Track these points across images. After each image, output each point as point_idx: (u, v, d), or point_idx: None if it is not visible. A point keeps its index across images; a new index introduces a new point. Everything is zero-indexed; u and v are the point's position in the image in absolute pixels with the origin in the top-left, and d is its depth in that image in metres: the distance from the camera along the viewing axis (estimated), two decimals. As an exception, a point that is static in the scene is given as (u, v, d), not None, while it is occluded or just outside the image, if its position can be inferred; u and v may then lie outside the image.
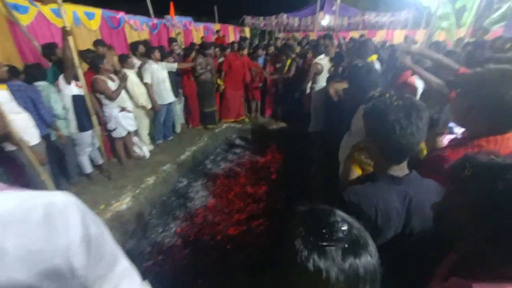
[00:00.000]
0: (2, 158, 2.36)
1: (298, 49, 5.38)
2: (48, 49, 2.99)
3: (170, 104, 4.01)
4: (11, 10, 3.25)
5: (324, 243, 0.45)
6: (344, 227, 0.47)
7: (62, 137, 2.74)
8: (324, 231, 0.47)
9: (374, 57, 2.73)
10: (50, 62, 3.01)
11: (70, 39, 2.57)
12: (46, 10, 3.84)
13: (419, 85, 2.52)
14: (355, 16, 11.25)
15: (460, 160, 0.64)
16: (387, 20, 10.96)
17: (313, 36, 8.84)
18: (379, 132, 0.84)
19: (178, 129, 4.55)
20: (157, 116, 3.92)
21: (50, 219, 0.36)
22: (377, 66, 2.56)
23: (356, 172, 1.13)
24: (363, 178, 0.98)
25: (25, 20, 3.52)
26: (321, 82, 3.72)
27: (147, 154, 3.79)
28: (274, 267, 0.55)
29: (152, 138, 4.09)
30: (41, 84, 2.64)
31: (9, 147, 2.28)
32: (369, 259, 0.45)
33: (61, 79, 2.71)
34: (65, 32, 2.53)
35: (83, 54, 3.16)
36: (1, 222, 0.33)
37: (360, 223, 0.57)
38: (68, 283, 0.38)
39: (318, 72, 3.64)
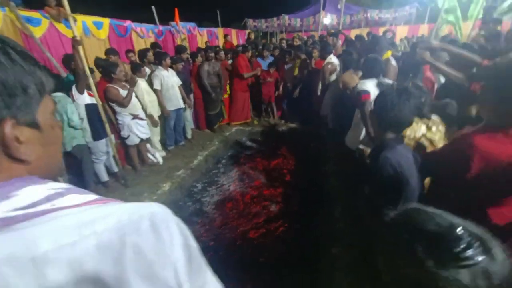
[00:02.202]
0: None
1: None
2: (68, 58, 3.02)
3: (179, 109, 4.03)
4: (25, 23, 3.31)
5: (462, 264, 0.41)
6: (469, 237, 0.42)
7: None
8: (457, 251, 0.41)
9: (389, 54, 2.70)
10: (69, 71, 3.03)
11: (80, 49, 2.55)
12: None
13: (436, 80, 2.49)
14: (357, 13, 11.20)
15: None
16: (390, 16, 10.89)
17: (317, 35, 8.83)
18: (383, 110, 1.12)
19: (189, 134, 4.56)
20: (167, 121, 3.94)
21: (156, 229, 0.36)
22: (393, 62, 2.52)
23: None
24: (379, 148, 1.21)
25: (38, 32, 3.58)
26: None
27: (160, 160, 3.80)
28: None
29: (164, 144, 4.11)
30: (57, 95, 2.66)
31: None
32: (503, 256, 0.42)
33: (74, 89, 2.73)
34: (75, 42, 2.50)
35: (97, 62, 3.19)
36: (119, 234, 0.33)
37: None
38: None
39: (332, 72, 3.61)
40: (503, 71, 0.90)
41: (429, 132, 1.50)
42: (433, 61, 1.82)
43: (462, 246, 0.41)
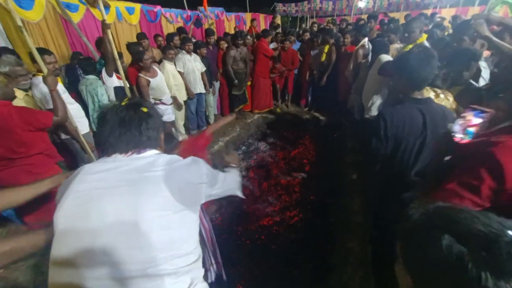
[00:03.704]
0: (57, 146, 2.61)
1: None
2: (99, 41, 3.19)
3: (200, 94, 4.07)
4: (64, 9, 3.51)
5: None
6: None
7: None
8: (506, 253, 0.34)
9: (423, 38, 2.45)
10: (100, 54, 3.19)
11: (109, 32, 2.59)
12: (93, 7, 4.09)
13: (483, 66, 2.21)
14: (397, -5, 10.25)
15: None
16: (435, -3, 9.81)
17: (350, 20, 8.29)
18: (409, 68, 1.24)
19: (212, 120, 4.63)
20: (188, 105, 4.03)
21: (195, 162, 0.84)
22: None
23: None
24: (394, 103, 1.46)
25: (76, 18, 3.80)
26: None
27: (183, 144, 3.93)
28: None
29: (187, 128, 4.23)
30: (89, 77, 2.83)
31: (63, 136, 2.50)
32: None
33: (104, 72, 2.88)
34: (104, 26, 2.55)
35: (130, 46, 3.31)
36: (177, 161, 0.81)
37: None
38: (203, 188, 0.83)
39: (365, 57, 3.36)
40: None
41: (437, 98, 1.63)
42: (491, 37, 1.56)
43: None
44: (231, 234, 2.59)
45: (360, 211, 2.50)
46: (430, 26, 4.35)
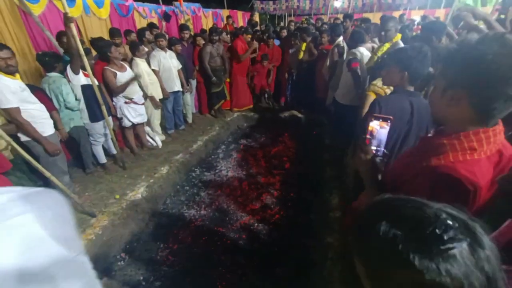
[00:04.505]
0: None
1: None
2: (60, 36, 2.97)
3: (177, 92, 3.94)
4: (23, 1, 3.22)
5: (445, 246, 0.34)
6: (449, 218, 0.37)
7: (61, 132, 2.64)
8: (432, 232, 0.35)
9: (398, 37, 2.53)
10: (64, 50, 2.97)
11: (72, 26, 2.37)
12: (56, -1, 3.79)
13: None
14: (370, -4, 10.60)
15: None
16: (405, -1, 10.29)
17: (326, 19, 8.46)
18: (413, 64, 1.35)
19: (190, 118, 4.50)
20: (165, 104, 3.88)
21: (50, 191, 0.53)
22: (402, 45, 2.37)
23: (371, 96, 1.92)
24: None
25: (37, 10, 3.49)
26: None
27: (160, 144, 3.78)
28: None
29: (164, 127, 4.07)
30: (53, 75, 2.62)
31: (24, 138, 2.28)
32: (490, 242, 0.36)
33: (69, 69, 2.66)
34: (66, 19, 2.32)
35: (94, 42, 3.11)
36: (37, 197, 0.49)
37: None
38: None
39: (340, 55, 3.44)
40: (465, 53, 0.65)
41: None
42: (478, 27, 1.63)
43: (441, 227, 0.35)
44: (211, 234, 2.53)
45: (340, 207, 2.55)
46: (399, 27, 4.53)
